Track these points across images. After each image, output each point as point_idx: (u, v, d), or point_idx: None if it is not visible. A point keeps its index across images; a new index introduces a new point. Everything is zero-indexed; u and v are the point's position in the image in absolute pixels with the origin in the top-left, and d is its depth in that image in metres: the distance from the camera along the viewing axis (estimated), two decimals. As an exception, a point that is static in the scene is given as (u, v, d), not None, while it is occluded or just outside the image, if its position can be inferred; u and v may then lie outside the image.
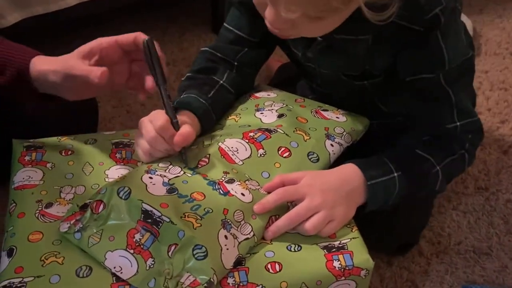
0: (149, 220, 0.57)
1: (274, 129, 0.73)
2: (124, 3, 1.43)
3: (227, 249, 0.58)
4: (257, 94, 0.85)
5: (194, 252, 0.55)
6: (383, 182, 0.69)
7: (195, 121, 0.73)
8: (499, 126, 1.24)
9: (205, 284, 0.54)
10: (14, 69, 0.68)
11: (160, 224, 0.57)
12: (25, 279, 0.55)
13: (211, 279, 0.55)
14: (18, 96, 0.72)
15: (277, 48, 0.91)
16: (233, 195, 0.63)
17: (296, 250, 0.62)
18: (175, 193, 0.61)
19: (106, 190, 0.60)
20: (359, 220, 0.69)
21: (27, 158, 0.70)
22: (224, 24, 0.85)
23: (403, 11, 0.62)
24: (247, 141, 0.70)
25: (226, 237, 0.58)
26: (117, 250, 0.57)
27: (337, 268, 0.60)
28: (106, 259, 0.56)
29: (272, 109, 0.79)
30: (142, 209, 0.58)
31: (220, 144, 0.69)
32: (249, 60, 0.84)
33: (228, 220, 0.60)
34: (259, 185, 0.67)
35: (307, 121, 0.76)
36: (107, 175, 0.69)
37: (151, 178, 0.62)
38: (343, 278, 0.60)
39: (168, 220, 0.57)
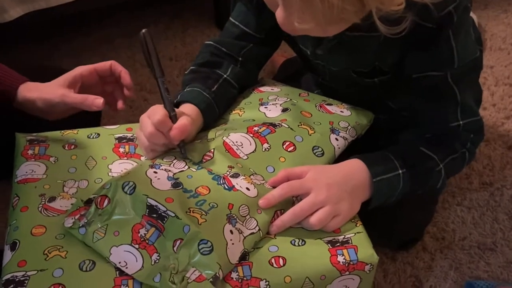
0: (154, 215, 0.57)
1: (279, 123, 0.73)
2: (127, -3, 1.43)
3: (233, 243, 0.57)
4: (261, 88, 0.85)
5: (200, 247, 0.55)
6: (388, 178, 0.69)
7: (199, 115, 0.72)
8: (504, 122, 1.23)
9: (211, 279, 0.54)
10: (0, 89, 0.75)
11: (165, 219, 0.57)
12: (28, 273, 0.55)
13: (217, 274, 0.54)
14: None
15: (282, 43, 0.90)
16: (238, 190, 0.62)
17: (300, 244, 0.61)
18: (180, 187, 0.61)
19: (111, 185, 0.59)
20: (363, 215, 0.68)
21: (30, 152, 0.70)
22: (230, 18, 0.85)
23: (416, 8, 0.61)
24: (251, 135, 0.70)
25: (231, 231, 0.58)
26: (122, 245, 0.56)
27: (341, 263, 0.60)
28: (111, 254, 0.56)
29: (276, 103, 0.78)
30: (147, 204, 0.57)
31: (224, 138, 0.69)
32: (253, 56, 0.84)
33: (233, 215, 0.60)
34: (264, 180, 0.66)
35: (312, 115, 0.76)
36: (110, 169, 0.69)
37: (155, 172, 0.62)
38: (347, 273, 0.60)
39: (173, 215, 0.57)
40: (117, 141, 0.73)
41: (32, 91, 0.75)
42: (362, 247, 0.62)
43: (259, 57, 0.86)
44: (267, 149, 0.69)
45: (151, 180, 0.60)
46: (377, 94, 0.84)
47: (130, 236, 0.57)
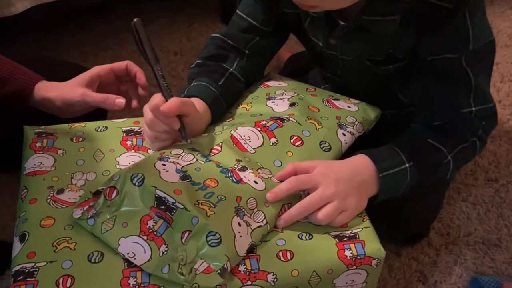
0: (163, 207, 0.57)
1: (286, 117, 0.73)
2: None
3: (241, 236, 0.57)
4: (268, 83, 0.85)
5: (208, 239, 0.55)
6: (395, 173, 0.69)
7: (206, 110, 0.73)
8: (509, 118, 1.23)
9: (219, 271, 0.54)
10: (15, 87, 0.76)
11: (174, 211, 0.57)
12: (38, 264, 0.56)
13: (225, 266, 0.55)
14: (9, 109, 0.78)
15: (288, 38, 0.90)
16: (246, 183, 0.62)
17: (308, 238, 0.62)
18: (188, 180, 0.61)
19: (120, 176, 0.60)
20: (370, 210, 0.68)
21: (38, 144, 0.70)
22: (237, 11, 0.84)
23: None
24: (259, 129, 0.70)
25: (239, 224, 0.58)
26: (130, 236, 0.57)
27: (348, 257, 0.60)
28: (119, 245, 0.56)
29: (284, 98, 0.78)
30: (156, 195, 0.58)
31: (232, 132, 0.69)
32: (260, 49, 0.84)
33: (242, 208, 0.60)
34: (271, 174, 0.66)
35: (319, 110, 0.76)
36: (118, 162, 0.69)
37: (164, 165, 0.62)
38: (354, 267, 0.60)
39: (182, 206, 0.57)
40: (124, 134, 0.74)
41: (50, 90, 0.76)
42: (370, 242, 0.62)
43: (266, 50, 0.85)
44: (274, 143, 0.69)
45: (159, 172, 0.61)
46: (389, 85, 0.84)
47: (139, 228, 0.57)
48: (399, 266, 0.91)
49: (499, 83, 1.33)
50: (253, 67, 0.84)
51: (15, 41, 1.41)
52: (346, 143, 0.73)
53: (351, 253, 0.60)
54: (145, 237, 0.56)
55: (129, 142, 0.72)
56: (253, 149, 0.68)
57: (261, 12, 0.82)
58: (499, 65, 1.39)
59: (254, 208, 0.61)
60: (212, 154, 0.66)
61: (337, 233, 0.63)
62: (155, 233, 0.57)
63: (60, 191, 0.64)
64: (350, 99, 0.81)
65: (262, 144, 0.69)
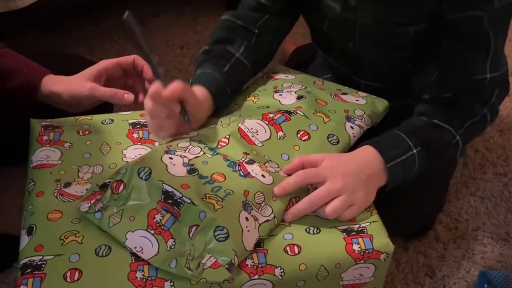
0: (170, 201, 0.57)
1: (294, 111, 0.72)
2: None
3: (248, 230, 0.57)
4: (275, 76, 0.84)
5: (215, 234, 0.55)
6: (403, 161, 0.67)
7: (209, 97, 0.72)
8: (518, 112, 1.22)
9: (226, 266, 0.54)
10: (22, 81, 0.76)
11: (181, 205, 0.57)
12: (45, 257, 0.56)
13: (233, 261, 0.54)
14: (16, 102, 0.78)
15: (292, 30, 0.89)
16: (253, 177, 0.62)
17: (315, 232, 0.61)
18: (196, 173, 0.60)
19: (126, 170, 0.59)
20: (374, 203, 0.68)
21: (45, 137, 0.70)
22: None
23: None
24: (266, 122, 0.69)
25: (247, 218, 0.58)
26: (137, 230, 0.56)
27: (356, 251, 0.59)
28: (126, 239, 0.56)
29: (291, 91, 0.78)
30: (163, 190, 0.57)
31: (239, 125, 0.69)
32: (270, 28, 0.82)
33: (249, 202, 0.59)
34: (278, 167, 0.66)
35: (327, 103, 0.75)
36: (125, 154, 0.69)
37: (171, 158, 0.62)
38: (362, 261, 0.60)
39: (189, 201, 0.56)
40: (131, 126, 0.73)
41: (58, 84, 0.76)
42: (378, 236, 0.61)
43: (276, 29, 0.84)
44: (282, 137, 0.68)
45: (166, 166, 0.60)
46: (404, 62, 0.81)
47: (146, 222, 0.57)
48: (406, 261, 0.90)
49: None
50: (263, 48, 0.82)
51: (22, 34, 1.41)
52: (354, 136, 0.72)
53: (359, 247, 0.60)
54: (152, 231, 0.56)
55: (135, 135, 0.72)
56: (261, 142, 0.68)
57: None
58: (508, 58, 1.37)
59: (262, 203, 0.60)
60: (219, 146, 0.66)
61: (345, 227, 0.62)
62: (162, 227, 0.56)
63: (67, 184, 0.64)
64: (358, 92, 0.80)
65: (270, 137, 0.68)
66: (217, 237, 0.55)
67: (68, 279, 0.54)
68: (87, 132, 0.71)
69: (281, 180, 0.63)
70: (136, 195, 0.58)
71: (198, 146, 0.65)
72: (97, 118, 0.75)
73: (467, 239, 0.94)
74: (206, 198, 0.57)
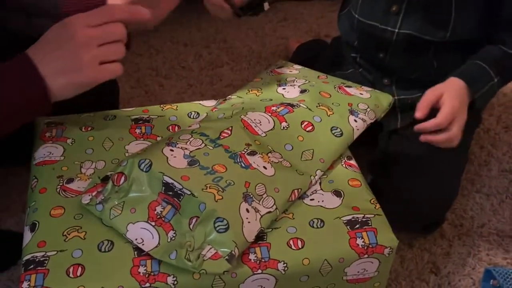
0: (170, 193, 0.57)
1: (297, 103, 0.72)
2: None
3: (249, 222, 0.57)
4: (279, 70, 0.84)
5: (216, 225, 0.55)
6: (487, 90, 0.78)
7: None
8: (524, 108, 1.21)
9: (227, 257, 0.54)
10: None
11: (181, 197, 0.57)
12: (48, 253, 0.56)
13: (233, 252, 0.54)
14: None
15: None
16: (254, 168, 0.62)
17: (319, 226, 0.61)
18: (197, 165, 0.60)
19: (127, 162, 0.59)
20: (386, 199, 0.68)
21: (47, 134, 0.70)
22: None
23: None
24: (269, 114, 0.69)
25: (247, 210, 0.58)
26: (138, 222, 0.57)
27: (360, 246, 0.59)
28: (127, 231, 0.56)
29: (295, 85, 0.78)
30: (163, 181, 0.57)
31: (242, 116, 0.69)
32: None
33: (250, 194, 0.59)
34: (282, 157, 0.66)
35: (330, 96, 0.75)
36: (127, 150, 0.69)
37: (172, 150, 0.62)
38: (366, 256, 0.59)
39: (189, 192, 0.56)
40: (133, 122, 0.73)
41: None
42: (382, 230, 0.61)
43: None
44: (285, 128, 0.68)
45: (167, 158, 0.60)
46: (430, 62, 0.86)
47: (147, 213, 0.57)
48: (411, 257, 0.90)
49: None
50: None
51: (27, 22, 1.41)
52: (357, 129, 0.72)
53: (363, 242, 0.59)
54: (153, 223, 0.56)
55: (138, 130, 0.72)
56: (264, 132, 0.67)
57: None
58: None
59: (263, 194, 0.60)
60: (221, 137, 0.66)
61: (349, 217, 0.62)
62: (163, 219, 0.56)
63: (70, 180, 0.64)
64: (362, 87, 0.80)
65: (273, 127, 0.68)
66: (217, 229, 0.55)
67: (71, 275, 0.54)
68: (89, 128, 0.71)
69: (284, 171, 0.63)
70: (137, 187, 0.58)
71: (200, 138, 0.65)
72: (100, 114, 0.75)
73: (473, 236, 0.94)
74: (206, 188, 0.57)
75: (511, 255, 0.91)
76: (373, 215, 0.63)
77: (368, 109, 0.75)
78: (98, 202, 0.58)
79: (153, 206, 0.57)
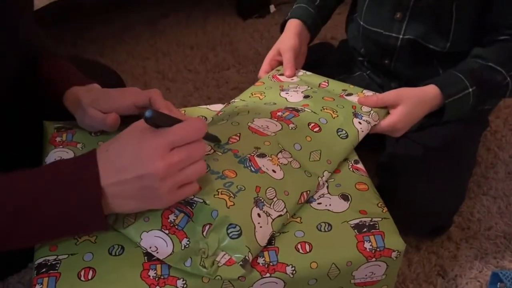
0: (182, 201, 0.57)
1: (302, 108, 0.73)
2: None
3: (261, 227, 0.57)
4: (280, 77, 0.85)
5: (229, 231, 0.55)
6: (459, 98, 0.78)
7: (305, 29, 0.90)
8: (530, 110, 1.21)
9: (241, 262, 0.54)
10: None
11: (194, 205, 0.57)
12: (60, 257, 0.56)
13: (246, 257, 0.55)
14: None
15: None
16: (264, 172, 0.62)
17: (327, 230, 0.61)
18: (208, 170, 0.61)
19: None
20: (393, 203, 0.68)
21: (58, 139, 0.71)
22: None
23: None
24: (276, 120, 0.70)
25: (259, 215, 0.58)
26: (152, 230, 0.57)
27: (368, 250, 0.59)
28: (141, 239, 0.57)
29: (297, 91, 0.78)
30: None
31: (249, 124, 0.69)
32: None
33: (260, 198, 0.60)
34: (291, 157, 0.66)
35: (334, 99, 0.76)
36: None
37: None
38: (374, 259, 0.60)
39: (201, 200, 0.57)
40: None
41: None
42: (389, 233, 0.61)
43: None
44: (293, 128, 0.69)
45: None
46: (435, 65, 0.87)
47: (160, 222, 0.57)
48: (418, 260, 0.90)
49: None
50: None
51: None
52: (362, 131, 0.72)
53: (370, 245, 0.60)
54: (166, 231, 0.57)
55: None
56: (273, 132, 0.68)
57: None
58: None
59: (274, 198, 0.61)
60: (230, 142, 0.66)
61: (357, 221, 0.62)
62: (176, 227, 0.57)
63: None
64: (364, 91, 0.80)
65: (281, 128, 0.69)
66: (230, 235, 0.55)
67: (82, 278, 0.54)
68: (99, 133, 0.72)
69: (293, 174, 0.63)
70: None
71: (209, 145, 0.66)
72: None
73: (480, 239, 0.94)
74: (218, 194, 0.58)
75: (518, 257, 0.91)
76: (380, 219, 0.63)
77: (372, 112, 0.75)
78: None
79: (166, 215, 0.57)
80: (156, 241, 0.56)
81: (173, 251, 0.56)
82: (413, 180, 0.85)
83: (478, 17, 0.82)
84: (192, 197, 0.57)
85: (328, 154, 0.68)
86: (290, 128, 0.69)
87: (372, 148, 0.81)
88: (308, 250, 0.59)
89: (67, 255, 0.56)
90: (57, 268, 0.55)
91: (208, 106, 0.80)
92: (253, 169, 0.62)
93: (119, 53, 1.41)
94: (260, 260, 0.57)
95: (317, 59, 1.09)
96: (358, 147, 0.72)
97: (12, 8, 0.65)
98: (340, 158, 0.70)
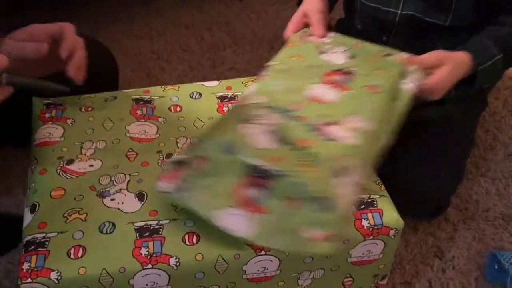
0: (258, 174, 0.54)
1: (352, 70, 0.71)
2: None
3: (345, 195, 0.55)
4: (311, 38, 0.80)
5: (317, 205, 0.53)
6: (490, 65, 0.78)
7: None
8: (530, 92, 1.20)
9: (332, 237, 0.52)
10: None
11: (273, 178, 0.54)
12: (49, 235, 0.55)
13: (336, 232, 0.52)
14: None
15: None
16: (337, 139, 0.60)
17: None
18: (281, 142, 0.58)
19: (207, 144, 0.57)
20: (391, 184, 0.67)
21: (47, 115, 0.69)
22: None
23: None
24: (331, 85, 0.68)
25: (339, 184, 0.55)
26: (226, 207, 0.54)
27: (365, 227, 0.58)
28: (215, 217, 0.53)
29: (336, 51, 0.76)
30: (249, 164, 0.55)
31: (307, 92, 0.66)
32: None
33: (338, 167, 0.57)
34: (361, 120, 0.63)
35: (377, 59, 0.74)
36: (128, 130, 0.68)
37: (250, 127, 0.59)
38: (371, 237, 0.59)
39: (280, 173, 0.54)
40: (134, 102, 0.72)
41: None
42: (387, 211, 0.60)
43: None
44: (351, 94, 0.67)
45: (249, 137, 0.58)
46: (435, 43, 0.84)
47: (234, 198, 0.54)
48: (415, 241, 0.89)
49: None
50: None
51: (28, 15, 1.39)
52: (412, 91, 0.70)
53: (368, 223, 0.59)
54: (244, 208, 0.53)
55: (139, 111, 0.71)
56: (333, 100, 0.66)
57: None
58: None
59: (349, 166, 0.58)
60: (295, 109, 0.63)
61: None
62: (255, 201, 0.54)
63: (70, 161, 0.63)
64: (401, 53, 0.77)
65: (340, 95, 0.66)
66: (318, 209, 0.53)
67: (72, 256, 0.53)
68: (89, 109, 0.70)
69: (367, 137, 0.61)
70: (220, 170, 0.55)
71: (274, 113, 0.62)
72: (100, 95, 0.74)
73: (477, 220, 0.93)
74: (298, 167, 0.55)
75: (516, 239, 0.90)
76: (378, 196, 0.62)
77: (418, 72, 0.72)
78: (179, 189, 0.55)
79: (241, 190, 0.54)
80: (232, 219, 0.53)
81: (253, 228, 0.52)
82: (410, 161, 0.84)
83: None
84: (271, 167, 0.54)
85: (388, 116, 0.66)
86: (348, 94, 0.66)
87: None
88: None
89: (56, 233, 0.55)
90: (46, 246, 0.54)
91: (203, 83, 0.78)
92: (326, 137, 0.59)
93: (113, 32, 1.38)
94: None
95: None
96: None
97: None
98: (395, 120, 0.66)
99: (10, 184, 0.95)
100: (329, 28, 0.89)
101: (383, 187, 0.64)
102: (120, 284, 0.53)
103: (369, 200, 0.61)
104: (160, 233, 0.55)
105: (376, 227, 0.59)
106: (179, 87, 0.76)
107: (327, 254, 0.52)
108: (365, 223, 0.59)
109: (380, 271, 0.64)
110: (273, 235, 0.52)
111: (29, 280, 0.52)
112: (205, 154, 0.56)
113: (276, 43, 1.33)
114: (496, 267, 0.84)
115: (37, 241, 0.55)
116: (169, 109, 0.72)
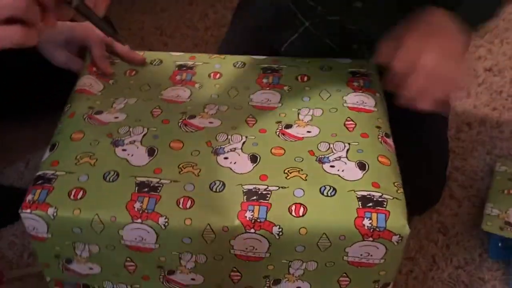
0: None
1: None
2: None
3: None
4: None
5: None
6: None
7: None
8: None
9: None
10: None
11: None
12: (57, 173, 0.59)
13: None
14: None
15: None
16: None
17: (329, 194, 0.57)
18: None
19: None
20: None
21: (94, 69, 0.74)
22: None
23: None
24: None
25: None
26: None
27: (365, 227, 0.54)
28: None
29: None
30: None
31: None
32: None
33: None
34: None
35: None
36: (162, 94, 0.70)
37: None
38: (370, 239, 0.55)
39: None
40: (177, 68, 0.74)
41: None
42: (395, 214, 0.55)
43: None
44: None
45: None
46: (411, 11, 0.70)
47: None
48: (419, 218, 0.89)
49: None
50: None
51: None
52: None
53: (369, 223, 0.55)
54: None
55: (178, 77, 0.73)
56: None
57: None
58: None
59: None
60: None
61: (365, 193, 0.57)
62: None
63: (99, 112, 0.67)
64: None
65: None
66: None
67: (72, 197, 0.56)
68: (133, 73, 0.74)
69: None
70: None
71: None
72: (149, 56, 0.77)
73: (482, 197, 0.92)
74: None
75: (521, 216, 0.89)
76: (391, 197, 0.57)
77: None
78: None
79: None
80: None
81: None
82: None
83: None
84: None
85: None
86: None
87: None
88: (300, 214, 0.55)
89: (64, 172, 0.59)
90: (52, 182, 0.58)
91: (170, 52, 0.78)
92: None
93: (116, 8, 1.37)
94: (248, 214, 0.55)
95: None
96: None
97: None
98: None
99: (13, 157, 0.95)
100: None
101: (400, 190, 0.59)
102: (110, 232, 0.56)
103: (379, 199, 0.57)
104: (158, 191, 0.57)
105: (377, 229, 0.54)
106: (225, 56, 0.77)
107: None
108: (366, 222, 0.55)
109: (381, 277, 0.59)
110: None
111: (28, 210, 0.56)
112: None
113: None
114: (500, 245, 0.83)
115: (46, 176, 0.58)
116: (209, 75, 0.74)
